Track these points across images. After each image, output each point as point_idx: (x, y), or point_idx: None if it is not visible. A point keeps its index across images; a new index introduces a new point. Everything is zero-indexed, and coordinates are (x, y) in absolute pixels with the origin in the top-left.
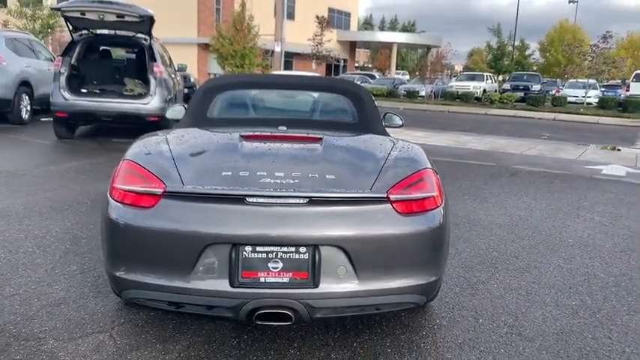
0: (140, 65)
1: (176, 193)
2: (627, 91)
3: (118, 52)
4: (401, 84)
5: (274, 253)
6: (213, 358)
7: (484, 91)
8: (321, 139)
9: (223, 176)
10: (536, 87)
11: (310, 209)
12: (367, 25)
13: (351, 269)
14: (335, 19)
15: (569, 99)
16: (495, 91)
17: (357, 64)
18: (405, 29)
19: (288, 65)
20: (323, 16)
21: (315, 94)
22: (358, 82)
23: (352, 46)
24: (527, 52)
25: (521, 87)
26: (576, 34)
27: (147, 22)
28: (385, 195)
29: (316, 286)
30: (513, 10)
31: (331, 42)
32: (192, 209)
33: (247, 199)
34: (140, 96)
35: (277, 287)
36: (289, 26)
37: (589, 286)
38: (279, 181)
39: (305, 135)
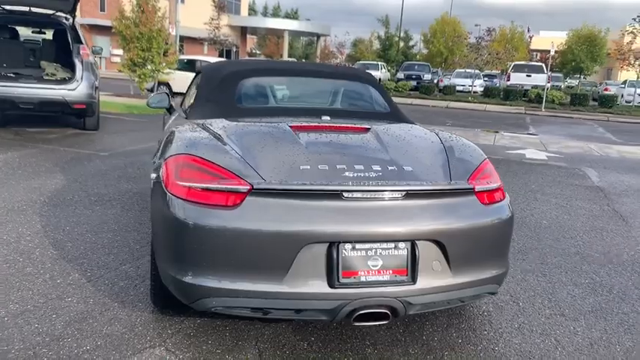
0: (60, 47)
1: (265, 190)
2: (508, 80)
3: (29, 32)
4: None
5: (374, 250)
6: None
7: (379, 80)
8: (369, 129)
9: (303, 171)
10: (427, 76)
11: (407, 202)
12: (251, 11)
13: (445, 263)
14: (225, 3)
15: (458, 87)
16: (389, 80)
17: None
18: (288, 16)
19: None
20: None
21: (338, 82)
22: None
23: (243, 32)
24: (411, 43)
25: (414, 76)
26: (456, 27)
27: (71, 0)
28: (472, 186)
29: (414, 282)
30: (393, 2)
31: (222, 27)
32: (285, 207)
33: (344, 194)
34: (64, 81)
35: (378, 286)
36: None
37: (588, 264)
38: (362, 175)
39: (352, 125)
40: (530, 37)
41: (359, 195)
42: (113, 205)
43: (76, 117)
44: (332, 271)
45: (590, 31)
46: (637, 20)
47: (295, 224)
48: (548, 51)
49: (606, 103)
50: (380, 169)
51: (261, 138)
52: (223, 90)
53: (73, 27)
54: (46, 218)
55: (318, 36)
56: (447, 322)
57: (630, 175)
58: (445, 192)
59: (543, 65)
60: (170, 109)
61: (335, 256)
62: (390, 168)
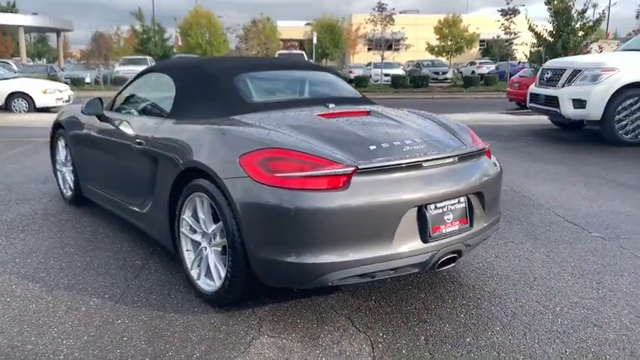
0: None
1: (366, 169)
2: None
3: None
4: (57, 71)
5: (446, 207)
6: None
7: None
8: (369, 112)
9: (374, 150)
10: None
11: (458, 165)
12: None
13: (482, 209)
14: None
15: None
16: None
17: None
18: (2, 10)
19: None
20: None
21: (314, 74)
22: None
23: None
24: (166, 36)
25: None
26: (211, 18)
27: None
28: (485, 147)
29: (472, 227)
30: None
31: None
32: (385, 181)
33: (423, 164)
34: None
35: (453, 235)
36: None
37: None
38: (416, 147)
39: (358, 110)
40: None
41: (431, 163)
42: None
43: None
44: (425, 229)
45: (330, 20)
46: (376, 9)
47: (397, 194)
48: (295, 40)
49: (360, 83)
50: (419, 141)
51: (310, 127)
52: (222, 88)
53: None
54: (31, 234)
55: (59, 31)
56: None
57: None
58: (474, 153)
59: (304, 53)
60: (100, 116)
61: (424, 216)
62: (426, 139)
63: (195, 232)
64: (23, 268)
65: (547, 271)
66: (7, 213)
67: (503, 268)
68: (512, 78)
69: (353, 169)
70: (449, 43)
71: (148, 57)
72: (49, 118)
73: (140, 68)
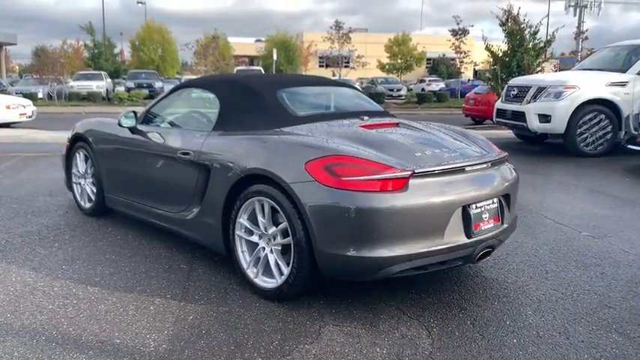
0: None
1: (421, 173)
2: None
3: None
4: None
5: (483, 207)
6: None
7: (107, 90)
8: (398, 124)
9: (420, 156)
10: (159, 84)
11: (491, 170)
12: None
13: (507, 209)
14: None
15: None
16: (113, 90)
17: None
18: None
19: None
20: None
21: (340, 90)
22: None
23: None
24: (116, 51)
25: (145, 85)
26: (164, 34)
27: None
28: (506, 154)
29: (503, 225)
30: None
31: None
32: (437, 183)
33: (466, 168)
34: None
35: (490, 231)
36: None
37: None
38: (453, 154)
39: (388, 122)
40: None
41: (471, 168)
42: None
43: None
44: (469, 226)
45: (284, 37)
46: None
47: (447, 195)
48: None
49: None
50: (455, 149)
51: (357, 137)
52: (268, 102)
53: None
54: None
55: (1, 45)
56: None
57: None
58: (501, 160)
59: (261, 69)
60: (134, 129)
61: (468, 214)
62: (461, 148)
63: (251, 233)
64: (75, 274)
65: (555, 265)
66: (30, 225)
67: (517, 263)
68: (467, 95)
69: (410, 172)
70: (399, 60)
71: (102, 72)
72: (18, 133)
73: (95, 83)
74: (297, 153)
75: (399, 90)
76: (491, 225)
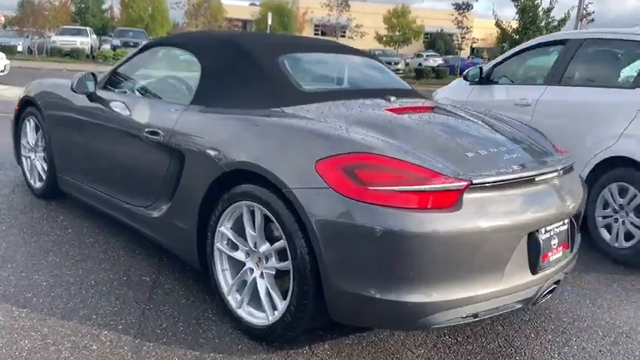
0: None
1: (481, 184)
2: None
3: None
4: None
5: (552, 230)
6: None
7: (91, 47)
8: (433, 107)
9: (472, 158)
10: (144, 42)
11: (563, 180)
12: None
13: (577, 231)
14: None
15: None
16: (99, 47)
17: None
18: None
19: None
20: None
21: (358, 60)
22: None
23: None
24: (105, 7)
25: (132, 43)
26: None
27: None
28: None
29: (572, 252)
30: None
31: None
32: (498, 200)
33: (536, 178)
34: None
35: (558, 262)
36: None
37: None
38: (514, 156)
39: (419, 105)
40: None
41: (542, 177)
42: None
43: None
44: (536, 258)
45: (279, 2)
46: None
47: (513, 216)
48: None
49: None
50: (516, 148)
51: (385, 125)
52: (265, 70)
53: None
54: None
55: None
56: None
57: None
58: (570, 166)
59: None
60: (92, 96)
61: (538, 241)
62: (524, 147)
63: (236, 248)
64: (0, 286)
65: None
66: None
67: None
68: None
69: (466, 183)
70: (397, 33)
71: (87, 28)
72: None
73: (79, 39)
74: (304, 145)
75: (396, 64)
76: (560, 254)
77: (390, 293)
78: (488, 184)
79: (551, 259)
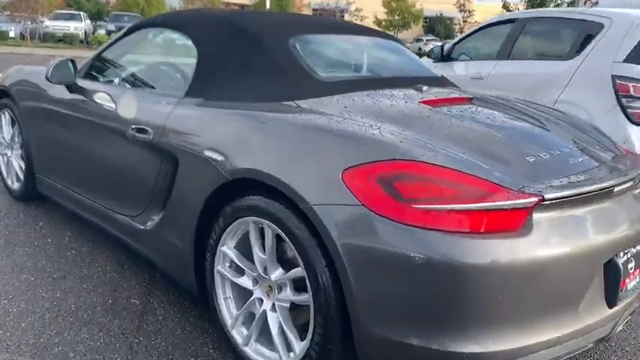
0: None
1: (555, 199)
2: None
3: None
4: None
5: (630, 253)
6: None
7: (85, 32)
8: (471, 99)
9: (533, 163)
10: None
11: (638, 191)
12: None
13: None
14: None
15: None
16: (93, 32)
17: None
18: None
19: None
20: None
21: (376, 41)
22: None
23: None
24: None
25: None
26: None
27: None
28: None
29: None
30: None
31: None
32: (572, 219)
33: (615, 189)
34: None
35: (635, 289)
36: None
37: None
38: (580, 159)
39: (456, 96)
40: None
41: (621, 188)
42: None
43: None
44: (615, 287)
45: None
46: None
47: (591, 238)
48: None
49: None
50: (579, 149)
51: (423, 122)
52: (276, 54)
53: None
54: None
55: None
56: None
57: None
58: None
59: None
60: (72, 86)
61: (618, 267)
62: (588, 149)
63: (241, 273)
64: None
65: None
66: None
67: None
68: None
69: (536, 199)
70: (396, 17)
71: (81, 13)
72: None
73: (73, 24)
74: (327, 150)
75: None
76: (637, 280)
77: (434, 341)
78: (563, 199)
79: (629, 287)
